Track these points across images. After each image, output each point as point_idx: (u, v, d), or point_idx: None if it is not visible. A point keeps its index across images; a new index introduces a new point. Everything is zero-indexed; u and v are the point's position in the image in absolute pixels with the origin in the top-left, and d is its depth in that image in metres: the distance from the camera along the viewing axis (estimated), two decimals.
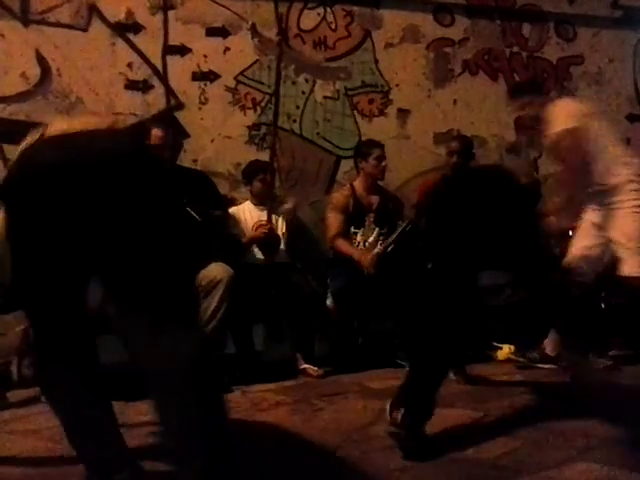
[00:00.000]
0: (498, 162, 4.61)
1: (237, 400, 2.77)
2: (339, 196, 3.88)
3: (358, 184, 3.89)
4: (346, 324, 3.64)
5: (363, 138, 4.21)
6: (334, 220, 3.79)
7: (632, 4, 4.96)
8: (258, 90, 4.16)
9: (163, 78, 3.99)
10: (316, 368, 3.33)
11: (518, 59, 4.72)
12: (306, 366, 3.35)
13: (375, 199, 3.87)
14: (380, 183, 3.98)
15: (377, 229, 3.76)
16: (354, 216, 3.79)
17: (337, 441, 2.15)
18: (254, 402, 2.66)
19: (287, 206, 3.84)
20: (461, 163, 3.94)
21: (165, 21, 4.01)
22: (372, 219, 3.78)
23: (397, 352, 3.56)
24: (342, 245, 3.73)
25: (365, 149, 3.91)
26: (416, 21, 4.51)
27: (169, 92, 3.99)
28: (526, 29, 4.77)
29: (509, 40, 4.71)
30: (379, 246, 3.68)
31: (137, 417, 2.53)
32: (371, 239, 3.74)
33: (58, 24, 3.85)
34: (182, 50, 4.04)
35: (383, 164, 3.83)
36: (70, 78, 3.85)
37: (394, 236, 3.61)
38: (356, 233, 3.77)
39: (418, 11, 4.50)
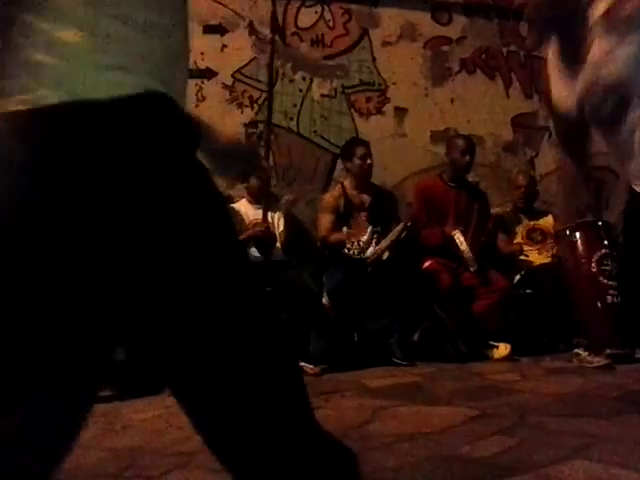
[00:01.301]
0: (494, 161, 4.62)
1: None
2: (329, 197, 3.88)
3: (348, 184, 3.89)
4: (342, 322, 3.64)
5: (360, 136, 4.22)
6: (324, 221, 3.80)
7: None
8: (255, 88, 4.16)
9: None
10: (312, 366, 3.33)
11: (515, 58, 4.73)
12: (302, 364, 3.34)
13: (367, 197, 3.86)
14: (376, 181, 3.98)
15: (371, 227, 3.76)
16: (346, 215, 3.79)
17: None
18: None
19: (287, 197, 3.83)
20: (471, 162, 3.96)
21: None
22: (365, 217, 3.78)
23: (393, 350, 3.57)
24: (334, 237, 3.74)
25: (349, 149, 3.90)
26: (413, 19, 4.51)
27: None
28: (523, 28, 4.78)
29: (506, 39, 4.72)
30: (374, 244, 3.69)
31: (135, 415, 2.54)
32: (365, 237, 3.74)
33: None
34: None
35: (368, 162, 3.82)
36: None
37: (387, 242, 3.62)
38: (349, 232, 3.78)
39: (416, 9, 4.50)
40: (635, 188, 2.09)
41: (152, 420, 2.46)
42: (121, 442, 2.19)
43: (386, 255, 3.62)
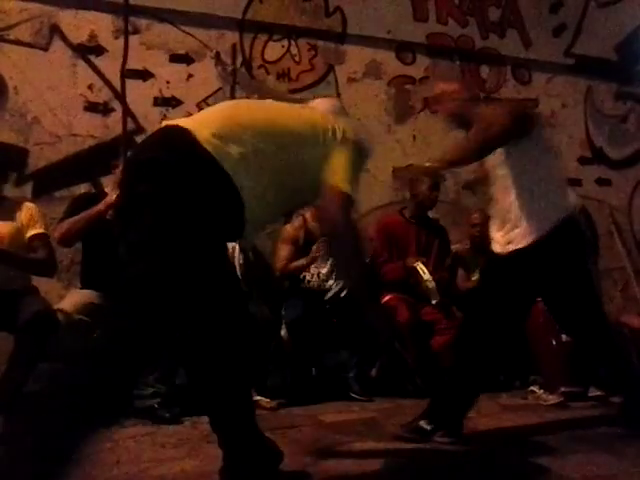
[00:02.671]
0: (454, 199, 4.70)
1: (187, 431, 2.70)
2: (289, 228, 3.87)
3: (309, 215, 3.89)
4: (300, 356, 3.60)
5: None
6: (283, 252, 3.79)
7: (584, 52, 5.18)
8: None
9: (123, 101, 3.96)
10: (269, 400, 3.28)
11: None
12: (259, 398, 3.29)
13: None
14: None
15: (331, 259, 3.75)
16: (306, 247, 3.78)
17: (288, 475, 2.11)
18: (204, 434, 2.58)
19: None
20: (437, 198, 4.02)
21: (126, 45, 4.00)
22: (325, 250, 3.78)
23: (352, 385, 3.54)
24: (291, 266, 3.72)
25: None
26: (379, 58, 4.61)
27: (127, 116, 3.96)
28: (484, 71, 4.93)
29: (468, 81, 4.84)
30: (333, 276, 3.68)
31: (82, 449, 2.44)
32: (325, 270, 3.73)
33: (18, 42, 3.79)
34: (144, 75, 4.02)
35: None
36: (28, 97, 3.78)
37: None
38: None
39: (381, 48, 4.60)
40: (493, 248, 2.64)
41: (101, 453, 2.38)
42: (67, 477, 2.10)
43: (344, 293, 3.62)
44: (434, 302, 3.74)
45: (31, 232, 3.07)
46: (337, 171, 1.91)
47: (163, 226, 1.64)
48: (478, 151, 2.46)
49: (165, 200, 1.64)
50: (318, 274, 3.73)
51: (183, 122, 1.77)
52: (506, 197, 2.57)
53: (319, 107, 2.10)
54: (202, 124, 1.74)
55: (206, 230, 1.66)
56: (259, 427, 1.90)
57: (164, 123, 1.80)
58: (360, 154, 2.05)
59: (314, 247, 3.73)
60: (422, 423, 2.57)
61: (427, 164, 2.55)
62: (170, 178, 1.64)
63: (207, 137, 1.68)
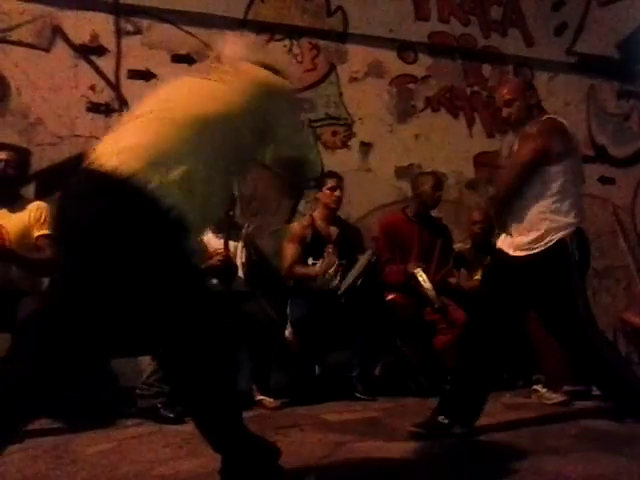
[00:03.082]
0: (456, 198, 4.69)
1: (190, 431, 2.69)
2: (297, 227, 3.87)
3: (317, 215, 3.89)
4: (304, 355, 3.60)
5: (326, 170, 4.24)
6: (290, 251, 3.78)
7: (586, 51, 5.17)
8: None
9: (125, 102, 3.96)
10: (272, 399, 3.28)
11: (478, 98, 4.85)
12: (262, 397, 3.30)
13: (334, 230, 3.87)
14: (341, 215, 4.00)
15: (337, 260, 3.75)
16: (313, 247, 3.78)
17: (291, 474, 2.11)
18: None
19: (244, 230, 3.79)
20: (440, 197, 4.02)
21: (119, 45, 3.99)
22: (331, 250, 3.78)
23: (355, 385, 3.54)
24: (299, 270, 3.71)
25: (321, 179, 3.93)
26: (380, 57, 4.60)
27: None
28: (486, 70, 4.92)
29: (470, 79, 4.84)
30: (338, 277, 3.67)
31: (86, 448, 2.45)
32: (330, 270, 3.73)
33: (20, 43, 3.80)
34: (146, 75, 4.02)
35: (337, 193, 3.84)
36: (30, 98, 3.79)
37: (358, 269, 3.62)
38: (315, 264, 3.75)
39: (383, 47, 4.60)
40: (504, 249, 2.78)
41: (104, 453, 2.38)
42: (70, 477, 2.10)
43: (360, 281, 3.61)
44: (436, 307, 3.73)
45: (39, 232, 3.12)
46: (289, 140, 2.02)
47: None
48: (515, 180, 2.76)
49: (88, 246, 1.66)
50: (323, 274, 3.72)
51: (110, 157, 1.63)
52: (539, 204, 2.71)
53: (233, 55, 2.03)
54: (133, 153, 1.62)
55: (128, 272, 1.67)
56: (249, 427, 1.90)
57: (90, 159, 1.68)
58: (288, 94, 2.08)
59: (323, 261, 3.71)
60: (440, 418, 2.62)
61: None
62: (92, 229, 1.65)
63: (139, 176, 1.58)
